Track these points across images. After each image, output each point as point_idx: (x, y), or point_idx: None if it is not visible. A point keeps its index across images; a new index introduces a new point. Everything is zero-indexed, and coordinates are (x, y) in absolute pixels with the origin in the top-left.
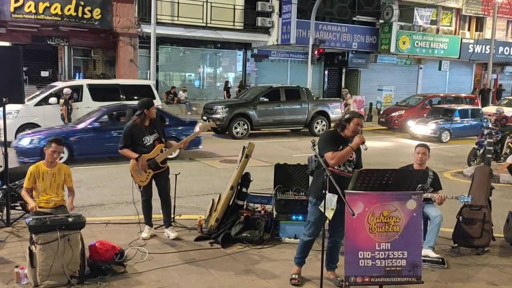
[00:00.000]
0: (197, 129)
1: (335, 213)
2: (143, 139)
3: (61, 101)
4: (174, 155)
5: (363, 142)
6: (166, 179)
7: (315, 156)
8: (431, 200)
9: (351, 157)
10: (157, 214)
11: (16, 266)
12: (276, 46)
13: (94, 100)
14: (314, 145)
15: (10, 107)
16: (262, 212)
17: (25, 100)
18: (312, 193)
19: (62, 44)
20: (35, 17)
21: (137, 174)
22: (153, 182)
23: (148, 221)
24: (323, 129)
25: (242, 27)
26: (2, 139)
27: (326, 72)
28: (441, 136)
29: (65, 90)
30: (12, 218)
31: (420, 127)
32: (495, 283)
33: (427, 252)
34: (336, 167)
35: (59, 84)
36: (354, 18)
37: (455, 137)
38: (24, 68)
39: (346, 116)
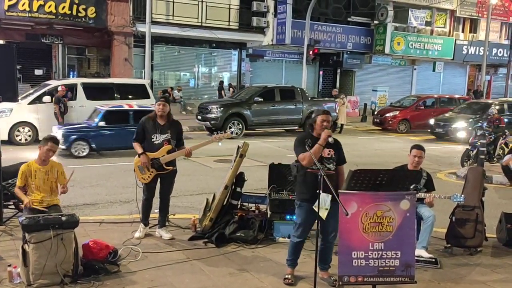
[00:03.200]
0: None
1: (314, 218)
2: (152, 136)
3: (53, 99)
4: None
5: (329, 136)
6: (170, 182)
7: (296, 161)
8: (424, 200)
9: (329, 154)
10: (152, 213)
11: (9, 265)
12: (271, 46)
13: (88, 99)
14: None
15: (3, 106)
16: (256, 211)
17: (19, 98)
18: (296, 195)
19: (56, 42)
20: (29, 15)
21: (140, 171)
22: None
23: (145, 220)
24: None
25: (237, 27)
26: None
27: (321, 72)
28: (72, 147)
29: (58, 88)
30: (5, 217)
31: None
32: (488, 283)
33: (420, 252)
34: (313, 167)
35: (53, 83)
36: (349, 19)
37: (101, 150)
38: (18, 66)
39: (312, 116)
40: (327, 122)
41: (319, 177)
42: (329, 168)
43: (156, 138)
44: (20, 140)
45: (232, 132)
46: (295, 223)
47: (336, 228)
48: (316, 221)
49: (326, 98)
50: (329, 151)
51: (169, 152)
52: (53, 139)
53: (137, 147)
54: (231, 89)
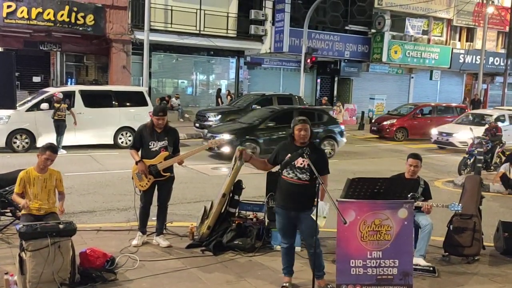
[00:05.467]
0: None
1: (291, 223)
2: (150, 143)
3: (64, 106)
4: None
5: (240, 153)
6: (168, 189)
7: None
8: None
9: (302, 164)
10: (149, 221)
11: (6, 273)
12: (269, 54)
13: (86, 106)
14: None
15: (1, 112)
16: (254, 219)
17: (17, 105)
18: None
19: (55, 49)
20: (28, 22)
21: (138, 178)
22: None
23: (142, 228)
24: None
25: (235, 35)
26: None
27: (318, 80)
28: None
29: (59, 95)
30: (2, 224)
31: None
32: None
33: (418, 260)
34: (285, 174)
35: (51, 90)
36: (346, 27)
37: None
38: (16, 74)
39: (292, 125)
40: (304, 130)
41: (317, 185)
42: (299, 178)
43: (154, 145)
44: (18, 147)
45: None
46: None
47: (310, 235)
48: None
49: (324, 106)
50: (303, 161)
51: (166, 158)
52: (51, 148)
53: (134, 155)
54: (228, 96)
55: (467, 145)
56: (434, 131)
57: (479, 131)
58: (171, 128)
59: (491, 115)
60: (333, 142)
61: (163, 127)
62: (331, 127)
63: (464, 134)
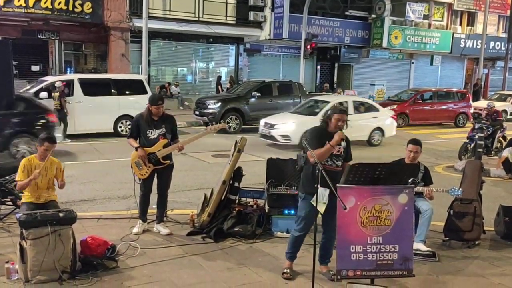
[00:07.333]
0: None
1: (327, 207)
2: (147, 132)
3: (56, 95)
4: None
5: (342, 139)
6: (168, 176)
7: (303, 152)
8: (422, 194)
9: (338, 151)
10: (150, 209)
11: (7, 262)
12: (268, 41)
13: (86, 95)
14: (307, 141)
15: None
16: (255, 206)
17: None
18: (301, 188)
19: (53, 38)
20: (25, 11)
21: (137, 167)
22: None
23: (142, 216)
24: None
25: (234, 22)
26: None
27: (318, 66)
28: None
29: (57, 84)
30: (3, 213)
31: None
32: (486, 276)
33: (418, 245)
34: (324, 162)
35: (49, 79)
36: (346, 13)
37: None
38: (14, 63)
39: (328, 113)
40: (342, 121)
41: (317, 171)
42: (337, 165)
43: (151, 133)
44: None
45: (229, 127)
46: (297, 216)
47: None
48: (320, 216)
49: (324, 93)
50: (339, 148)
51: (165, 146)
52: (48, 139)
53: (132, 142)
54: (229, 83)
55: (290, 140)
56: (262, 122)
57: (316, 120)
58: (168, 116)
59: (328, 102)
60: (29, 138)
61: (159, 116)
62: (30, 118)
63: (288, 126)
